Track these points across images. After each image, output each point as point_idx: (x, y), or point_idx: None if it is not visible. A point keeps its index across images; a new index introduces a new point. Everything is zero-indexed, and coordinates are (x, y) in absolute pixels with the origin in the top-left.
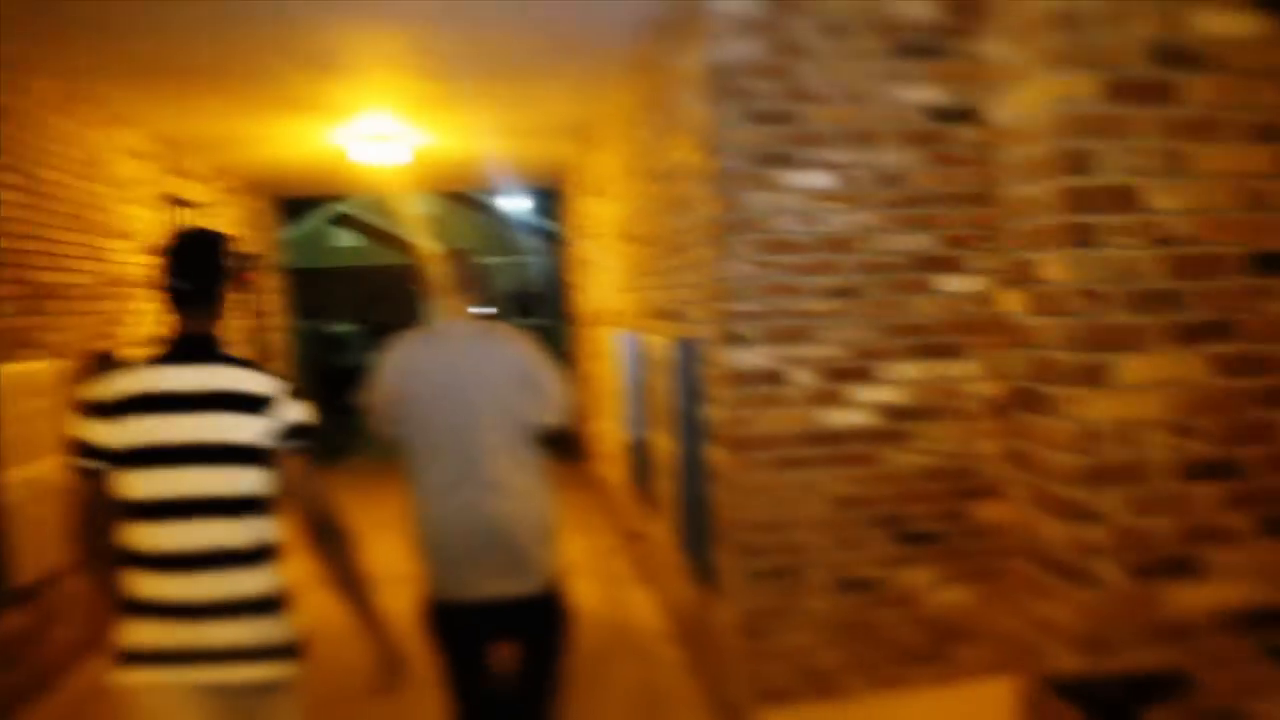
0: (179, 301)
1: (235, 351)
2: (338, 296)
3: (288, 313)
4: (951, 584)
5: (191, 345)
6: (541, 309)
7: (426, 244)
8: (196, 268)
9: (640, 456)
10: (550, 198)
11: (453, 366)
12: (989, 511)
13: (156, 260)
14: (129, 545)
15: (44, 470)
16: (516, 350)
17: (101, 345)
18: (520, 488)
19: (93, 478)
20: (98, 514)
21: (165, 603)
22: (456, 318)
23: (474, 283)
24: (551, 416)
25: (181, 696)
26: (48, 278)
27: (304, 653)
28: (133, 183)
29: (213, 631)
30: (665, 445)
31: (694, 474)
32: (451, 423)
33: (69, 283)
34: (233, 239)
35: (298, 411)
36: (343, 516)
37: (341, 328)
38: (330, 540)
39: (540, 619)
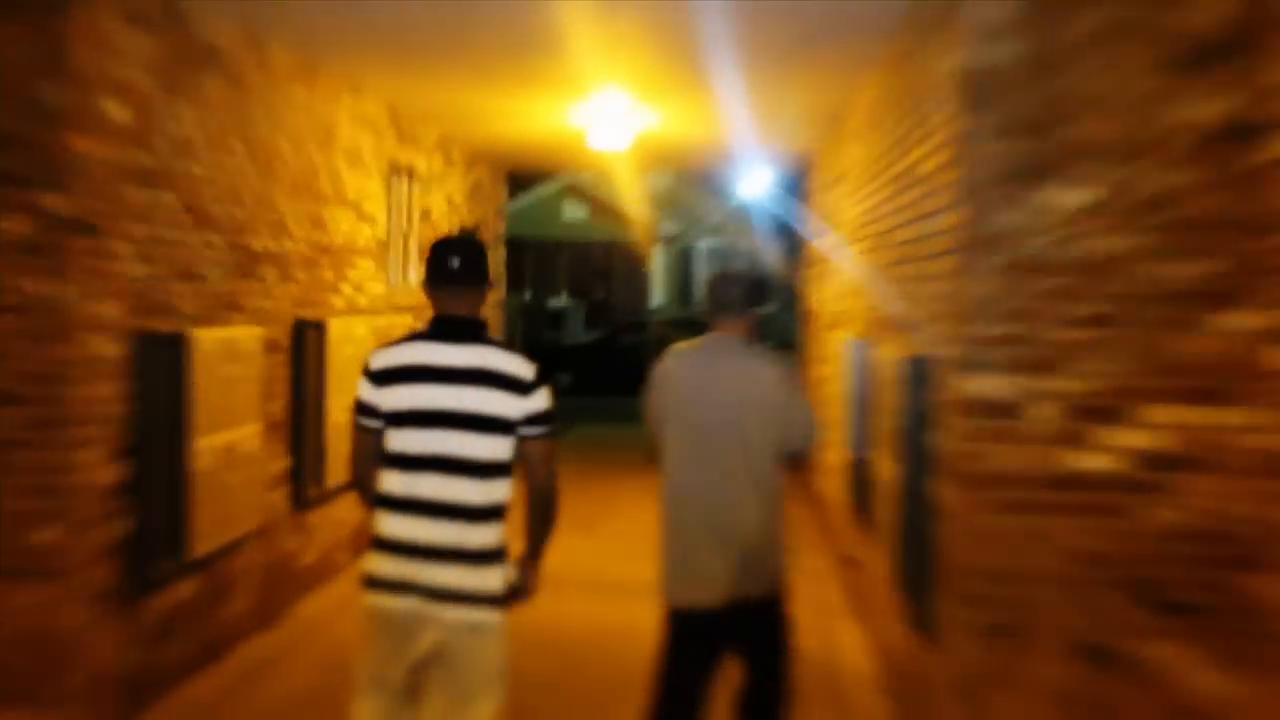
0: (450, 284)
1: (492, 335)
2: (558, 270)
3: (506, 286)
4: (1217, 669)
5: (458, 326)
6: (774, 299)
7: (651, 221)
8: (468, 256)
9: (861, 477)
10: (792, 186)
11: (711, 383)
12: (1270, 588)
13: (430, 248)
14: (386, 490)
15: (237, 438)
16: (773, 376)
17: (313, 313)
18: (760, 501)
19: (370, 434)
20: (373, 463)
21: (406, 542)
22: (723, 336)
23: (741, 304)
24: (799, 443)
25: (405, 620)
26: (265, 244)
27: (511, 602)
28: (359, 151)
29: (438, 573)
30: (888, 469)
31: (917, 506)
32: (703, 436)
33: (286, 250)
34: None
35: (545, 398)
36: (559, 493)
37: (560, 303)
38: (545, 514)
39: (770, 622)
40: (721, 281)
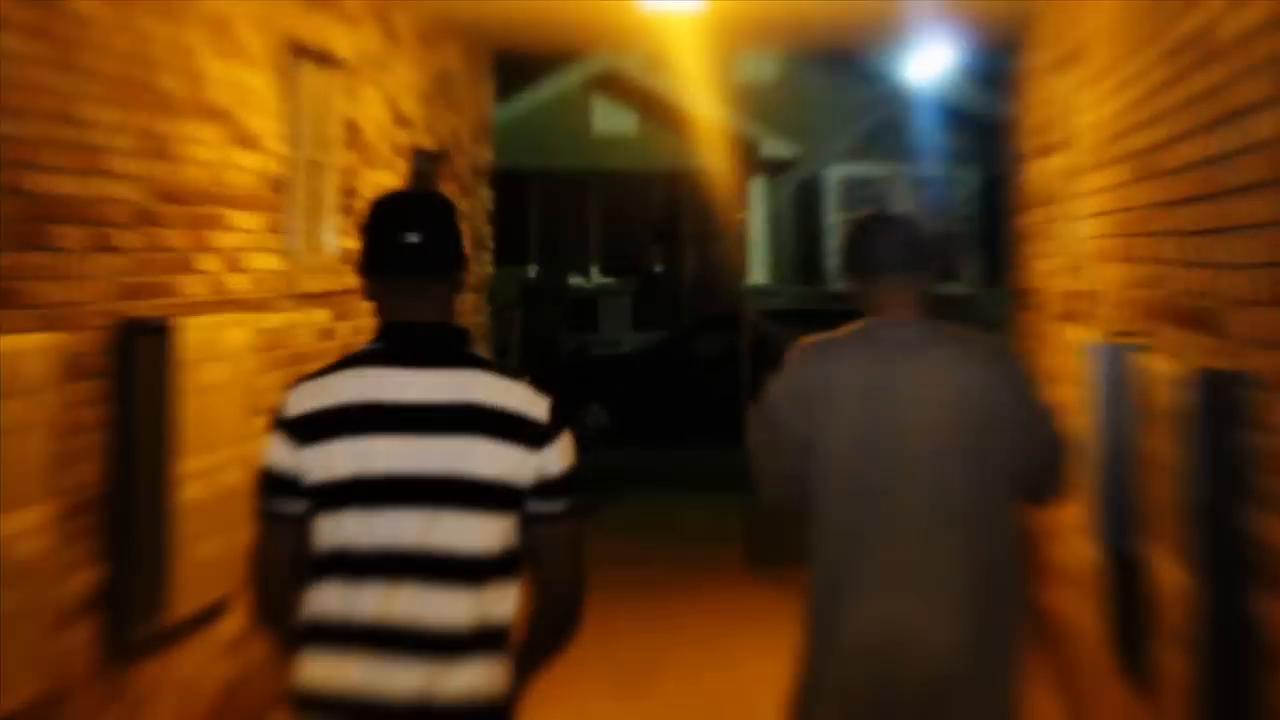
0: (406, 272)
1: (479, 353)
2: (585, 224)
3: (495, 254)
4: None
5: (424, 340)
6: (961, 270)
7: (746, 139)
8: (433, 225)
9: (1122, 587)
10: (989, 72)
11: (887, 396)
12: None
13: (370, 213)
14: (317, 615)
15: (2, 535)
16: (1000, 371)
17: (150, 307)
18: (981, 595)
19: (286, 525)
20: (290, 573)
21: (350, 697)
22: (891, 316)
23: (913, 266)
24: (1040, 484)
25: None
26: (61, 185)
27: None
28: (229, 22)
29: None
30: (1171, 575)
31: (1229, 645)
32: (882, 488)
33: (101, 196)
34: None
35: (567, 451)
36: (585, 604)
37: (588, 282)
38: (559, 636)
39: None
40: (878, 230)
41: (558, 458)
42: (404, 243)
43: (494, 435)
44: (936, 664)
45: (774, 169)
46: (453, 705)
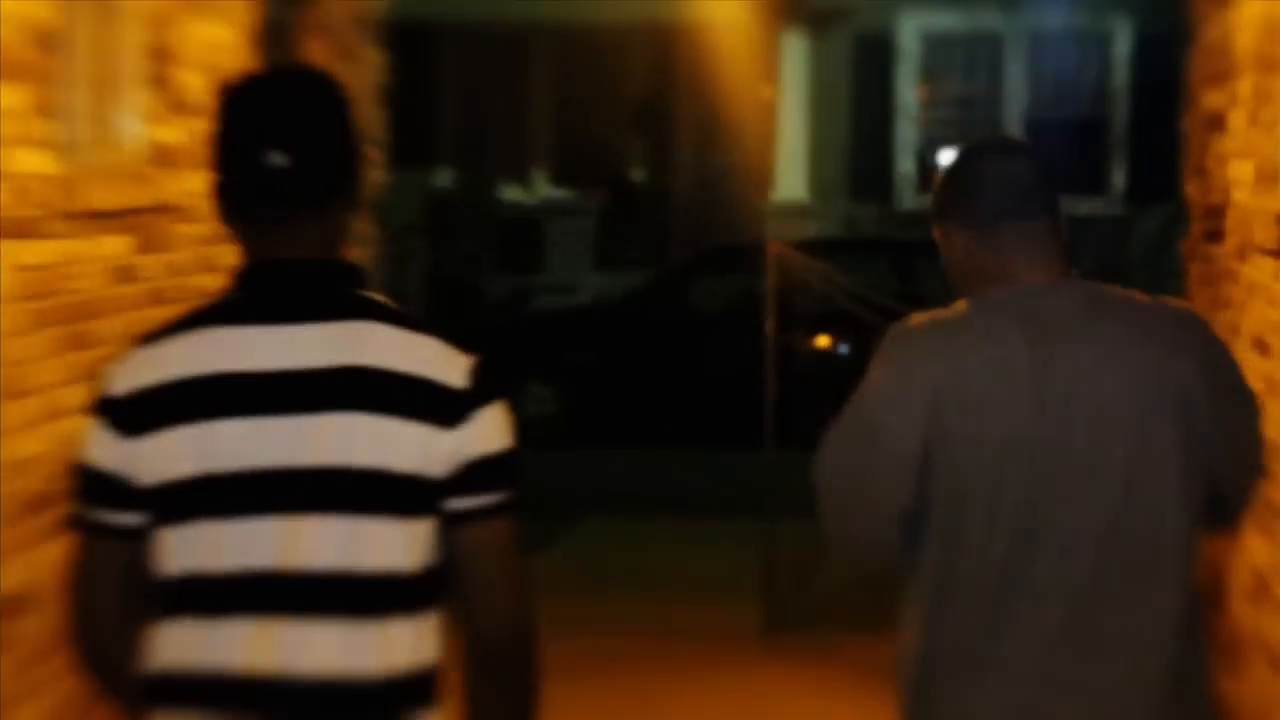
0: (274, 199)
1: (379, 295)
2: (526, 110)
3: (391, 152)
4: None
5: (295, 283)
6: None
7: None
8: (305, 135)
9: None
10: None
11: (1043, 397)
12: None
13: (215, 112)
14: (165, 665)
15: None
16: (1184, 354)
17: None
18: (1175, 679)
19: (116, 542)
20: (124, 611)
21: None
22: (1028, 280)
23: (1050, 202)
24: (1233, 499)
25: None
26: None
27: None
28: None
29: None
30: None
31: None
32: (1035, 522)
33: None
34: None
35: (494, 430)
36: (537, 648)
37: (534, 195)
38: (508, 685)
39: None
40: (1000, 158)
41: (483, 436)
42: (266, 166)
43: (390, 410)
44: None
45: (819, 19)
46: None
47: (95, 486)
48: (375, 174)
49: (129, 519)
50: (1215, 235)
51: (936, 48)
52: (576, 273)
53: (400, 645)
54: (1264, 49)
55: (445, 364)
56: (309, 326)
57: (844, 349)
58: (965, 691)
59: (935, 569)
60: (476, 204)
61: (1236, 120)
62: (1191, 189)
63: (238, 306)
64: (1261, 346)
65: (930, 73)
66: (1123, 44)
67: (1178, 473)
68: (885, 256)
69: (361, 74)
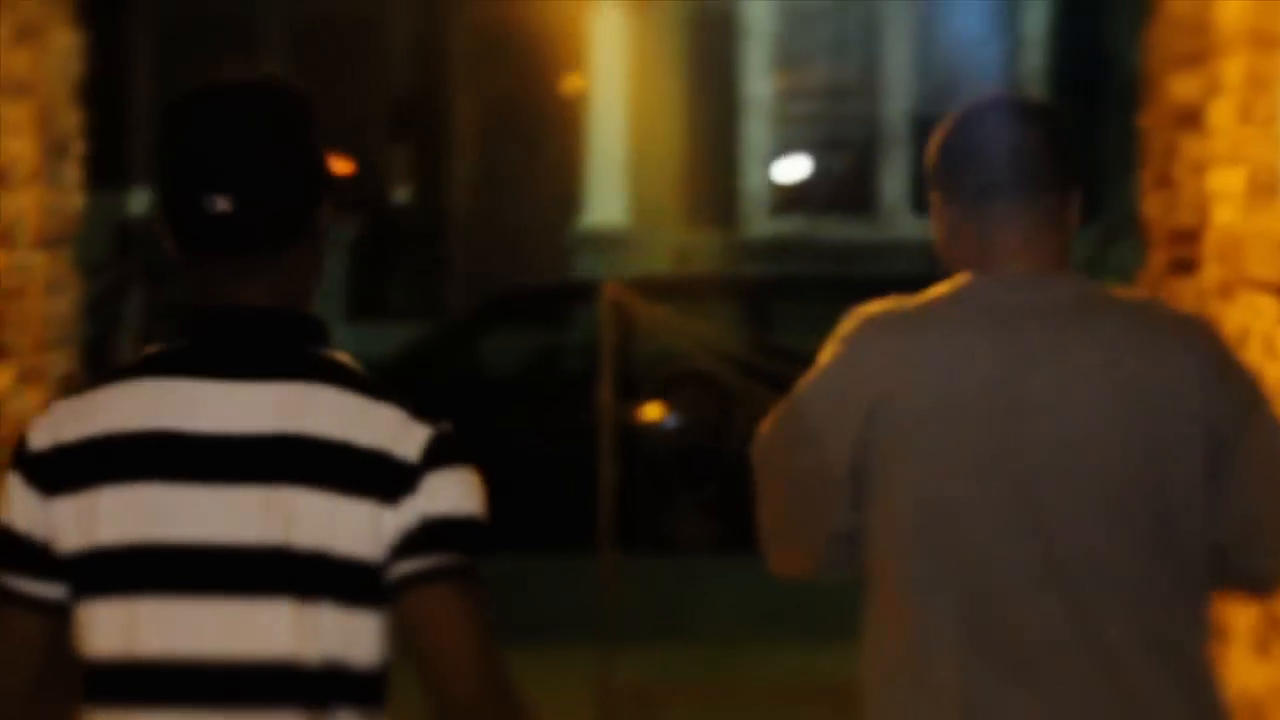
0: (219, 245)
1: (334, 354)
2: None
3: (89, 168)
4: None
5: (245, 335)
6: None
7: None
8: (248, 165)
9: None
10: None
11: (1015, 404)
12: None
13: (164, 125)
14: None
15: None
16: (1188, 359)
17: None
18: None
19: (29, 618)
20: (35, 697)
21: None
22: (1011, 267)
23: (1062, 173)
24: (1261, 549)
25: None
26: None
27: None
28: None
29: None
30: None
31: None
32: (994, 555)
33: None
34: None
35: (445, 492)
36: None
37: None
38: None
39: None
40: (995, 121)
41: (432, 498)
42: (205, 211)
43: (332, 484)
44: None
45: None
46: None
47: (8, 550)
48: (71, 198)
49: (47, 590)
50: (1186, 266)
51: (795, 26)
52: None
53: None
54: (1261, 21)
55: (399, 435)
56: (255, 385)
57: (675, 421)
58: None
59: (886, 609)
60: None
61: (1220, 115)
62: (1152, 206)
63: (181, 357)
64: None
65: (788, 58)
66: (1035, 20)
67: (1179, 512)
68: (732, 300)
69: (51, 63)
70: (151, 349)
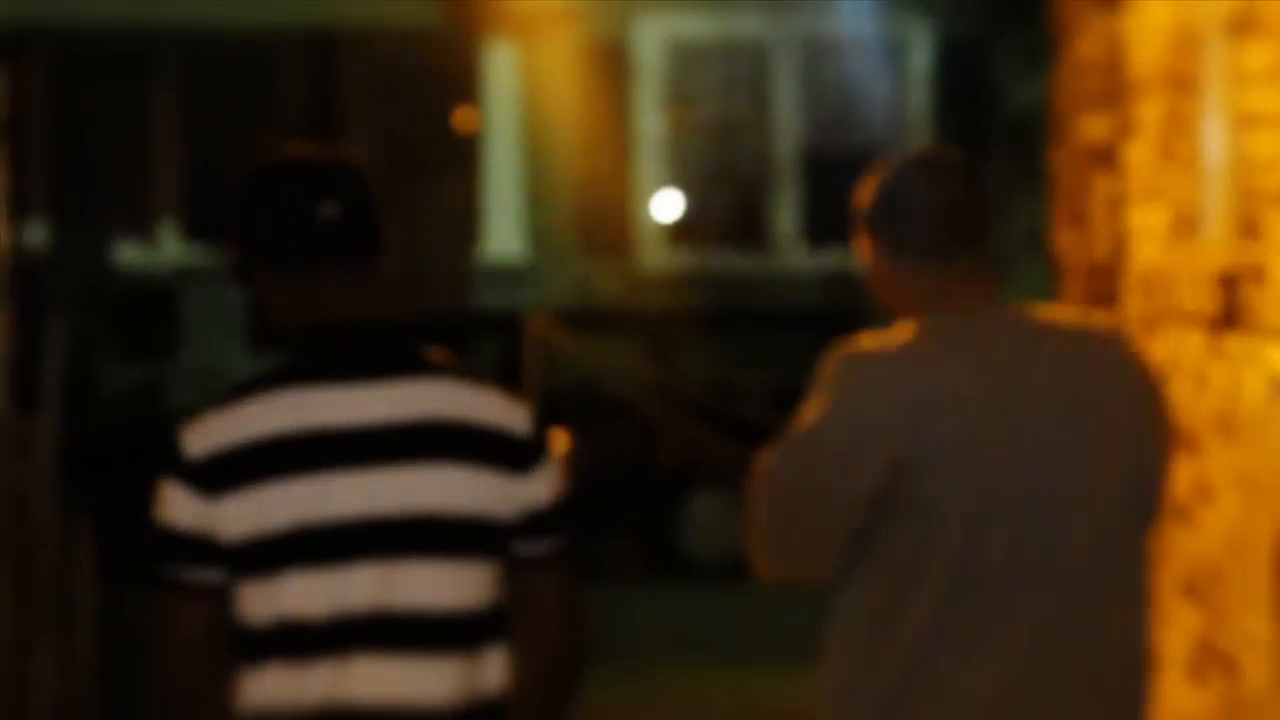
0: (331, 251)
1: (434, 351)
2: (152, 142)
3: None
4: None
5: (360, 343)
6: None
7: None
8: (345, 184)
9: None
10: None
11: (1000, 426)
12: None
13: (246, 184)
14: (260, 709)
15: None
16: (1122, 370)
17: None
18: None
19: (200, 602)
20: (211, 664)
21: None
22: (971, 305)
23: (985, 229)
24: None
25: None
26: None
27: None
28: None
29: None
30: None
31: None
32: (984, 560)
33: None
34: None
35: (555, 474)
36: (582, 678)
37: (162, 255)
38: (556, 703)
39: None
40: (936, 177)
41: (546, 484)
42: (318, 219)
43: (466, 458)
44: None
45: (531, 24)
46: None
47: (176, 546)
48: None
49: (210, 575)
50: (1104, 299)
51: (685, 60)
52: (224, 355)
53: (481, 675)
54: (1177, 64)
55: (511, 413)
56: (382, 382)
57: (598, 451)
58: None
59: (881, 600)
60: (81, 269)
61: (1137, 154)
62: (1065, 241)
63: (307, 367)
64: (1190, 444)
65: (678, 93)
66: (921, 53)
67: (1124, 504)
68: (630, 332)
69: None
70: (277, 365)
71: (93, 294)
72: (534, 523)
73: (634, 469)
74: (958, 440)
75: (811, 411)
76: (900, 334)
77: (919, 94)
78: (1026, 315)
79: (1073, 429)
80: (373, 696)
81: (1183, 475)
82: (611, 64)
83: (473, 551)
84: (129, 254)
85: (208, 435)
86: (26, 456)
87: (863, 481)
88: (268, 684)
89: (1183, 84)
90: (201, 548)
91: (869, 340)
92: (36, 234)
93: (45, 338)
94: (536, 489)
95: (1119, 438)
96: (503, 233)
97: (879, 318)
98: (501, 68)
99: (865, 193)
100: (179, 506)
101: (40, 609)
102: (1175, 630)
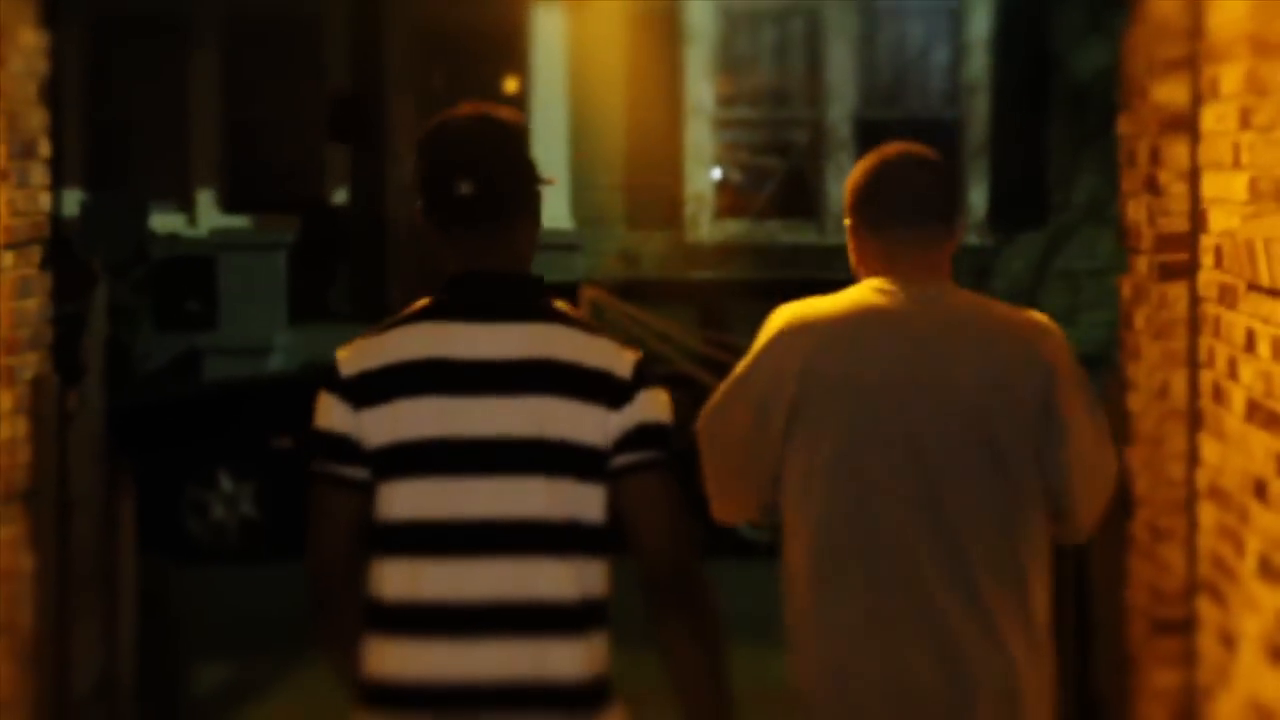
0: (466, 220)
1: (556, 301)
2: (186, 107)
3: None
4: None
5: (492, 290)
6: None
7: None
8: (493, 164)
9: None
10: None
11: (912, 385)
12: None
13: (417, 149)
14: (392, 596)
15: None
16: (1024, 357)
17: None
18: (1012, 635)
19: (348, 494)
20: (351, 551)
21: (428, 687)
22: (905, 279)
23: (949, 214)
24: (1072, 505)
25: None
26: None
27: None
28: None
29: None
30: None
31: None
32: (897, 498)
33: None
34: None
35: (651, 405)
36: (703, 575)
37: (201, 226)
38: (684, 608)
39: None
40: (903, 163)
41: (643, 409)
42: (455, 194)
43: (573, 394)
44: (964, 691)
45: None
46: (559, 687)
47: (332, 447)
48: (38, 201)
49: (358, 473)
50: (1175, 272)
51: (738, 27)
52: (264, 329)
53: (585, 577)
54: (1261, 27)
55: (616, 359)
56: (506, 325)
57: None
58: (815, 660)
59: (800, 551)
60: (118, 238)
61: (1215, 120)
62: (1135, 211)
63: (446, 307)
64: (1271, 419)
65: (731, 62)
66: (980, 21)
67: (1017, 482)
68: (678, 303)
69: (17, 63)
70: (421, 303)
71: (129, 263)
72: (629, 441)
73: (688, 441)
74: (847, 390)
75: (740, 365)
76: (838, 299)
77: (977, 61)
78: (964, 298)
79: (973, 392)
80: (485, 593)
81: (1257, 450)
82: (662, 29)
83: (574, 472)
84: (165, 223)
85: (358, 357)
86: (69, 427)
87: (776, 423)
88: (393, 576)
89: (1265, 47)
90: (350, 449)
91: (803, 302)
92: (70, 203)
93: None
94: (633, 415)
95: (988, 401)
96: (548, 202)
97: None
98: (549, 32)
99: (849, 181)
100: (334, 414)
101: (82, 584)
102: (1253, 611)
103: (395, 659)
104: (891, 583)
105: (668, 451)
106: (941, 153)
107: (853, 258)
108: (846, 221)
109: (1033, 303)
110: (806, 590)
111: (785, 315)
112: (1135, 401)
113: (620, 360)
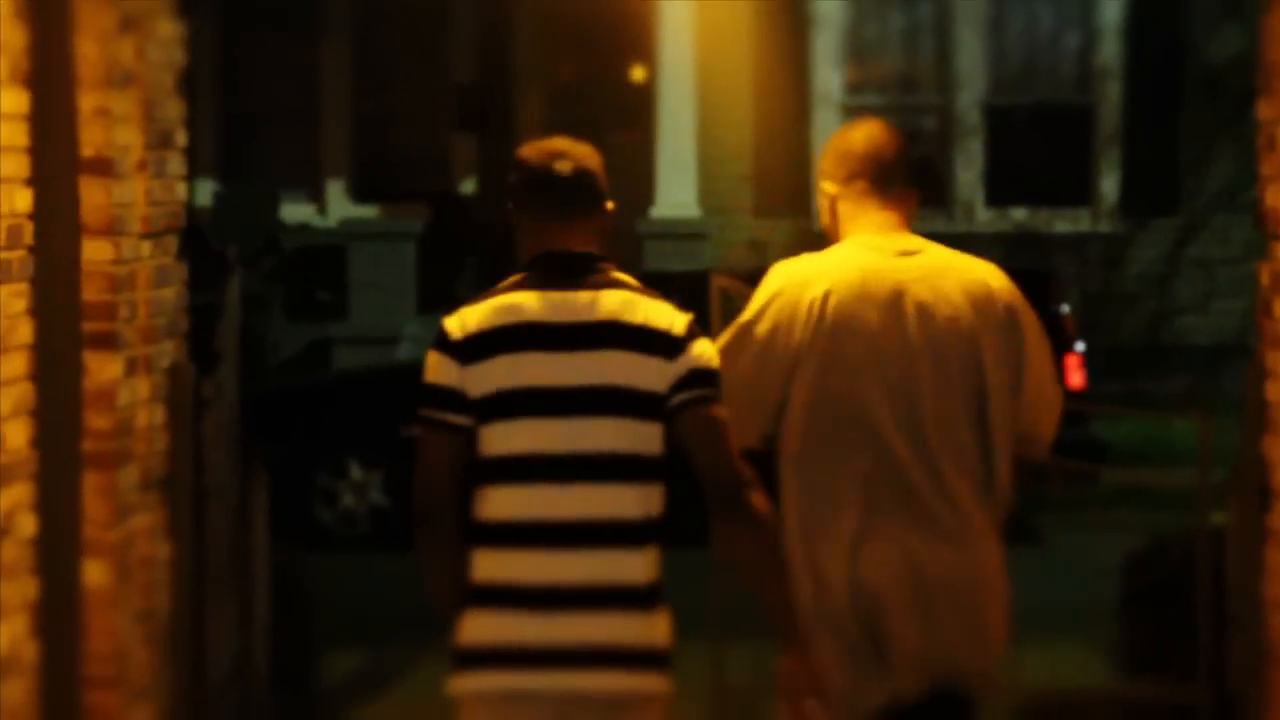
0: (563, 198)
1: (624, 276)
2: (317, 100)
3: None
4: None
5: (571, 265)
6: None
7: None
8: (584, 158)
9: None
10: None
11: (891, 322)
12: None
13: (525, 160)
14: (495, 517)
15: None
16: (993, 300)
17: None
18: (975, 531)
19: (453, 436)
20: (453, 481)
21: (524, 587)
22: (885, 230)
23: (910, 182)
24: (1033, 424)
25: (530, 709)
26: None
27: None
28: None
29: (580, 626)
30: None
31: None
32: (873, 418)
33: None
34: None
35: (701, 353)
36: (751, 489)
37: (331, 217)
38: (737, 518)
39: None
40: (870, 130)
41: (694, 357)
42: (556, 173)
43: (638, 349)
44: (940, 574)
45: None
46: (627, 587)
47: (441, 398)
48: (175, 190)
49: (462, 420)
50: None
51: (866, 13)
52: (394, 317)
53: (651, 501)
54: None
55: (673, 320)
56: (582, 293)
57: None
58: (812, 560)
59: (793, 468)
60: (250, 228)
61: None
62: (1274, 195)
63: (537, 279)
64: None
65: (859, 49)
66: (1112, 7)
67: (978, 408)
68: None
69: (156, 53)
70: (513, 278)
71: (260, 253)
72: (684, 383)
73: None
74: (848, 331)
75: (745, 314)
76: (825, 253)
77: (1109, 46)
78: (927, 246)
79: (933, 344)
80: (582, 511)
81: None
82: (789, 17)
83: (638, 413)
84: (297, 213)
85: (464, 323)
86: (204, 416)
87: (777, 367)
88: (496, 501)
89: None
90: (456, 400)
91: (800, 258)
92: (203, 193)
93: (218, 296)
94: (686, 363)
95: (958, 335)
96: (676, 191)
97: (1066, 277)
98: (676, 20)
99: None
100: (443, 370)
101: (217, 572)
102: None
103: (500, 566)
104: (874, 497)
105: (716, 390)
106: (1072, 138)
107: (822, 215)
108: (819, 184)
109: (1166, 291)
110: (793, 483)
111: (785, 270)
112: (1274, 391)
113: (675, 320)
